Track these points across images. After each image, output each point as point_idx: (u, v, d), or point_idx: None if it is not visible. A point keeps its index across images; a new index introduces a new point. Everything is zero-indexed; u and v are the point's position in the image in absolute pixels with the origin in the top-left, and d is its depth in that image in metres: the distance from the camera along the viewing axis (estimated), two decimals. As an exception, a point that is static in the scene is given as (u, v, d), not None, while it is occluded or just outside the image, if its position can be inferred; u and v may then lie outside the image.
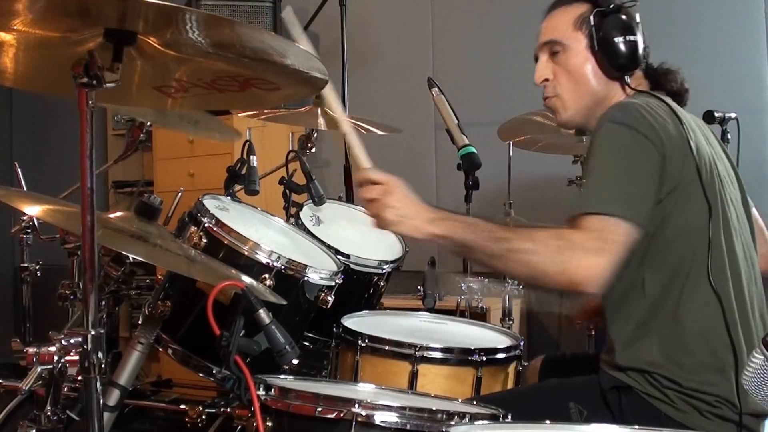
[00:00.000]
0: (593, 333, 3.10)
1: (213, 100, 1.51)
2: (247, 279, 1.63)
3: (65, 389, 1.35)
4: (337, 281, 1.93)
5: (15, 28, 1.16)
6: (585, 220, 1.51)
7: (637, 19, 1.72)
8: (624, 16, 1.70)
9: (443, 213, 1.60)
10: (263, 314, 1.39)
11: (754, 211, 1.82)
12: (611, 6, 1.70)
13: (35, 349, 1.22)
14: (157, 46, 1.23)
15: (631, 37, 1.69)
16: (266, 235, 2.05)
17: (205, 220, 1.83)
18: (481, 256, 1.56)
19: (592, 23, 1.70)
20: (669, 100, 1.69)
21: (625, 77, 1.72)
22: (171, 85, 1.39)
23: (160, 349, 1.85)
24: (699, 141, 1.65)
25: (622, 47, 1.68)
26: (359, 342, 1.81)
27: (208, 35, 1.20)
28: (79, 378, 1.18)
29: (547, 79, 1.77)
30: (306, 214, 2.30)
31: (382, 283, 2.26)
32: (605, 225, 1.49)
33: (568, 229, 1.52)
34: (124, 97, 1.46)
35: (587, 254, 1.47)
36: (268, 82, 1.36)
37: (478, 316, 2.71)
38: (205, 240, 1.81)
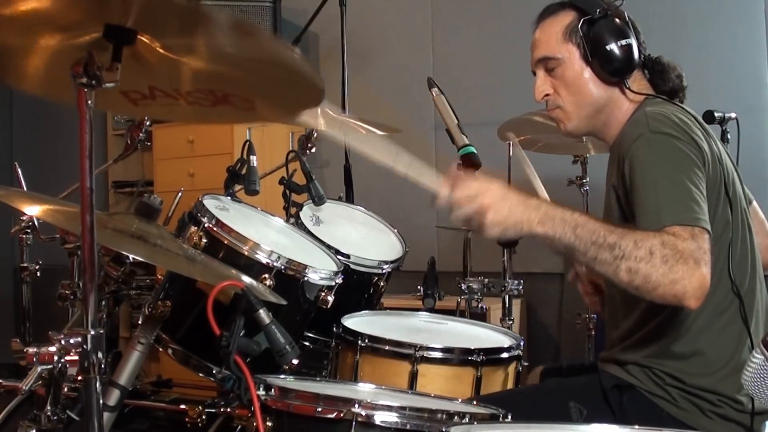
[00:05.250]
0: (593, 333, 3.11)
1: (176, 112, 1.47)
2: (247, 279, 1.63)
3: (65, 389, 1.34)
4: (337, 281, 1.93)
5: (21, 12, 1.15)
6: (677, 230, 1.46)
7: (627, 18, 1.71)
8: (613, 20, 1.69)
9: (545, 208, 1.52)
10: (263, 314, 1.39)
11: (754, 204, 1.83)
12: (597, 11, 1.69)
13: (35, 349, 1.21)
14: (157, 49, 1.23)
15: (623, 41, 1.68)
16: (266, 235, 2.05)
17: (205, 220, 1.82)
18: (585, 259, 1.50)
19: (581, 33, 1.70)
20: (687, 107, 1.69)
21: (625, 81, 1.71)
22: (140, 91, 1.37)
23: (160, 349, 1.84)
24: (718, 145, 1.67)
25: (616, 52, 1.68)
26: (359, 342, 1.81)
27: (232, 41, 1.19)
28: (79, 378, 1.18)
29: (547, 94, 1.77)
30: (306, 214, 2.30)
31: (382, 283, 2.26)
32: (694, 234, 1.45)
33: (664, 234, 1.45)
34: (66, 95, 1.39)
35: (697, 265, 1.42)
36: (245, 99, 1.35)
37: (478, 316, 2.70)
38: (205, 240, 1.81)
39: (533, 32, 1.80)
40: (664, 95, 1.73)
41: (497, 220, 1.52)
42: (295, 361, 1.49)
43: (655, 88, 1.75)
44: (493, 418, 1.37)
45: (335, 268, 1.98)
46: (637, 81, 1.74)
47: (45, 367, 1.21)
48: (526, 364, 1.98)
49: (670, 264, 1.42)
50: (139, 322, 1.85)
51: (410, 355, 1.76)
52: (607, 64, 1.69)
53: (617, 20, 1.70)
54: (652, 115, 1.62)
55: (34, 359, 1.21)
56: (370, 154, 1.65)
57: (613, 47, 1.67)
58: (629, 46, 1.68)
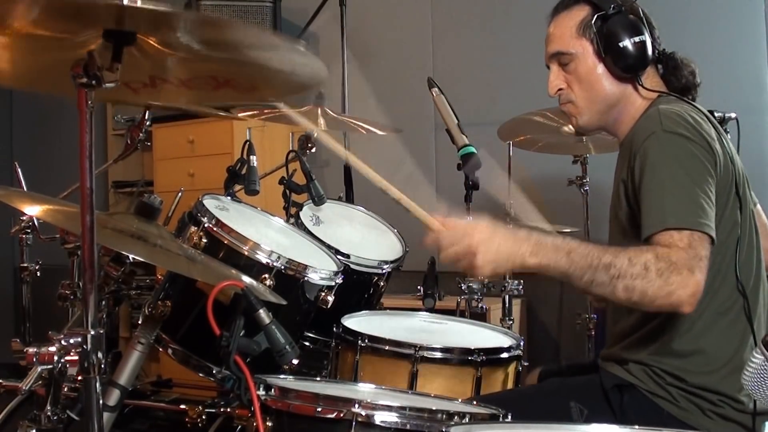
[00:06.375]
0: (593, 333, 3.11)
1: (178, 97, 1.48)
2: (247, 279, 1.63)
3: (65, 389, 1.35)
4: (337, 281, 1.93)
5: (14, 27, 1.15)
6: (669, 236, 1.47)
7: (641, 14, 1.71)
8: (627, 16, 1.69)
9: (535, 238, 1.53)
10: (263, 314, 1.39)
11: (758, 207, 1.83)
12: (612, 7, 1.70)
13: (35, 349, 1.21)
14: (157, 46, 1.23)
15: (637, 38, 1.68)
16: (266, 235, 2.05)
17: (205, 220, 1.82)
18: (581, 283, 1.50)
19: (595, 29, 1.70)
20: (700, 106, 1.70)
21: (638, 77, 1.71)
22: (141, 80, 1.37)
23: (160, 349, 1.84)
24: (730, 145, 1.67)
25: (629, 49, 1.68)
26: (359, 342, 1.81)
27: (205, 37, 1.19)
28: (79, 378, 1.18)
29: (561, 89, 1.78)
30: (306, 214, 2.30)
31: (382, 283, 2.26)
32: (692, 240, 1.46)
33: (657, 247, 1.47)
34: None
35: (691, 273, 1.43)
36: (245, 82, 1.35)
37: (478, 316, 2.70)
38: (205, 240, 1.81)
39: (547, 26, 1.80)
40: (676, 92, 1.73)
41: (487, 259, 1.53)
42: (295, 361, 1.49)
43: (668, 85, 1.75)
44: (493, 418, 1.37)
45: (335, 268, 1.98)
46: (650, 77, 1.74)
47: (45, 367, 1.21)
48: (526, 364, 1.98)
49: (665, 276, 1.44)
50: (139, 322, 1.85)
51: (410, 355, 1.76)
52: (620, 61, 1.69)
53: (631, 16, 1.70)
54: (666, 113, 1.62)
55: (34, 359, 1.21)
56: (367, 171, 1.67)
57: (627, 44, 1.68)
58: (642, 43, 1.68)
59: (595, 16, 1.70)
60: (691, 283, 1.43)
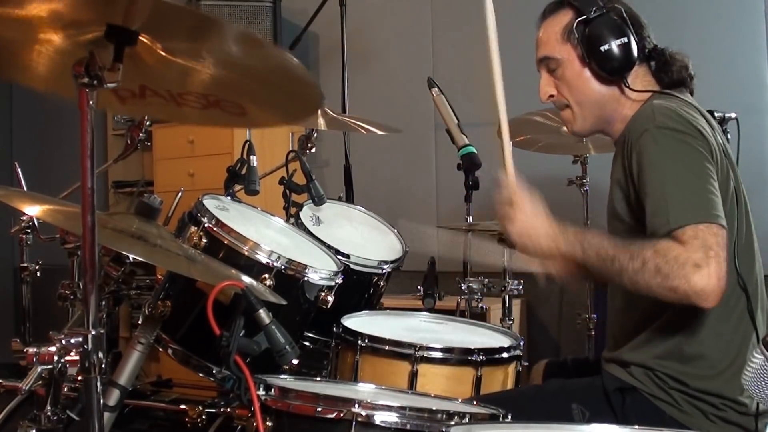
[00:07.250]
0: (593, 333, 3.11)
1: (165, 111, 1.47)
2: (247, 279, 1.63)
3: (65, 389, 1.35)
4: (337, 281, 1.93)
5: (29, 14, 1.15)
6: (678, 233, 1.47)
7: (624, 15, 1.69)
8: (608, 19, 1.68)
9: (558, 225, 1.65)
10: (263, 314, 1.39)
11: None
12: (593, 10, 1.69)
13: (35, 349, 1.21)
14: (158, 50, 1.23)
15: (618, 40, 1.67)
16: (266, 235, 2.05)
17: (205, 220, 1.82)
18: (596, 273, 1.60)
19: (577, 34, 1.69)
20: (693, 100, 1.70)
21: (625, 78, 1.71)
22: (130, 89, 1.36)
23: (160, 349, 1.84)
24: (724, 140, 1.67)
25: (612, 52, 1.67)
26: (359, 342, 1.81)
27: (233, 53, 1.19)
28: (79, 378, 1.18)
29: (552, 95, 1.78)
30: (306, 214, 2.30)
31: (382, 283, 2.26)
32: (700, 233, 1.46)
33: (659, 242, 1.48)
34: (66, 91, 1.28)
35: (697, 267, 1.43)
36: (237, 105, 1.34)
37: (478, 316, 2.70)
38: (205, 240, 1.81)
39: (537, 31, 1.80)
40: (668, 88, 1.72)
41: (519, 226, 1.68)
42: (295, 361, 1.49)
43: (660, 81, 1.74)
44: (493, 418, 1.37)
45: (335, 268, 1.98)
46: (641, 76, 1.73)
47: (45, 367, 1.21)
48: (526, 364, 1.98)
49: (664, 272, 1.44)
50: (139, 322, 1.85)
51: (410, 355, 1.76)
52: (605, 64, 1.69)
53: (614, 17, 1.68)
54: (659, 109, 1.62)
55: (34, 359, 1.21)
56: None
57: (608, 47, 1.67)
58: (625, 45, 1.67)
59: (577, 21, 1.70)
60: (697, 278, 1.42)
